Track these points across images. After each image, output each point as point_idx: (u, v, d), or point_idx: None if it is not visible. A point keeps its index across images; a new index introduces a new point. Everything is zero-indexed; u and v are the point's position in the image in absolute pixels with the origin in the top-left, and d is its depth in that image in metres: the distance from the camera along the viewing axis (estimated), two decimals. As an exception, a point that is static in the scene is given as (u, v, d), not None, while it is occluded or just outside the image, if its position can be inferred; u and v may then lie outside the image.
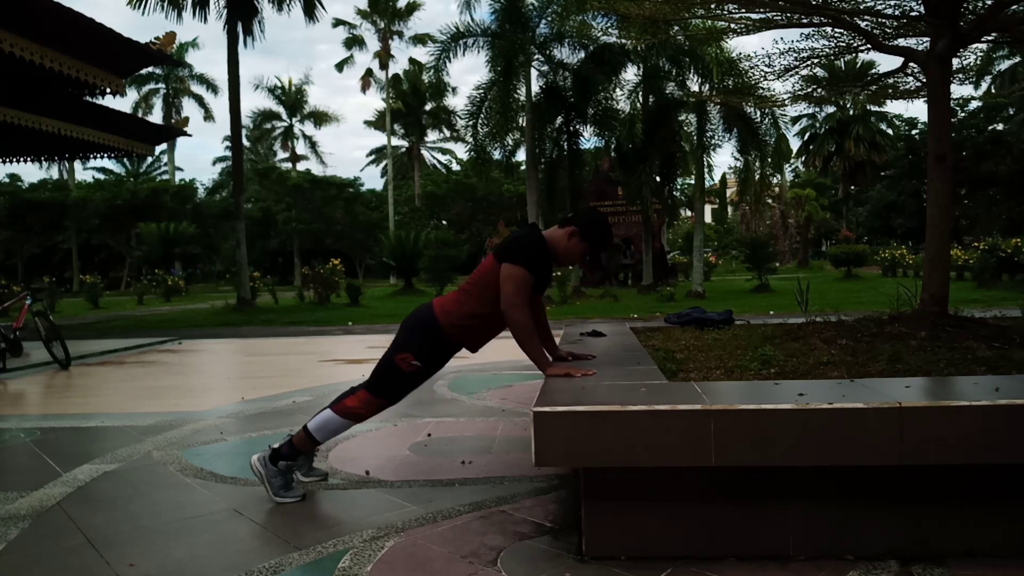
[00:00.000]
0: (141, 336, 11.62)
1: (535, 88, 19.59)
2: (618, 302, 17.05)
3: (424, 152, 49.71)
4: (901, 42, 4.68)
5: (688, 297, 17.30)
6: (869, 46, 4.69)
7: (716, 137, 18.80)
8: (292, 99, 46.14)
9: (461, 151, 43.09)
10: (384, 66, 40.84)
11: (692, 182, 23.79)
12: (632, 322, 7.38)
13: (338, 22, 40.39)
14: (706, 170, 20.35)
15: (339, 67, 43.13)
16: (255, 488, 3.20)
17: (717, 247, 47.59)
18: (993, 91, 36.19)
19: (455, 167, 49.07)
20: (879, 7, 4.50)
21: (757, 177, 19.59)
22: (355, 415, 3.04)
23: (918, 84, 5.28)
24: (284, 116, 47.12)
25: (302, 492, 3.09)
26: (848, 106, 36.43)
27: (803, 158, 42.93)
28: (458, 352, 3.10)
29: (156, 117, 40.86)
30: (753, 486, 2.33)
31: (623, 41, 17.31)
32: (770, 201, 41.44)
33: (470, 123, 19.63)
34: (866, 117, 38.41)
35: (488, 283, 2.89)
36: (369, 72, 42.47)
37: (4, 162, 14.35)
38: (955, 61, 4.75)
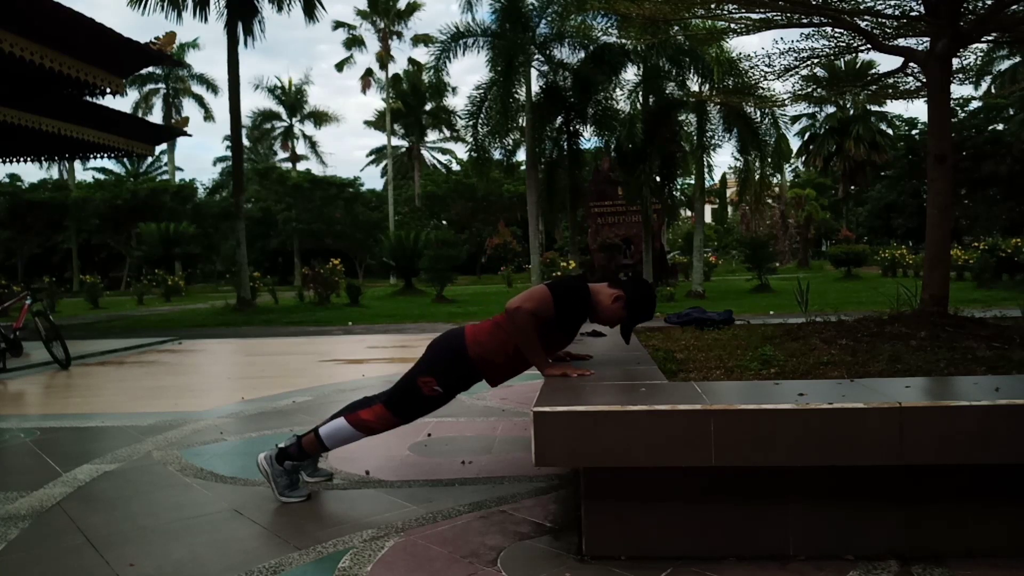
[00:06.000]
0: (141, 336, 11.62)
1: (535, 88, 19.60)
2: (618, 302, 17.00)
3: (424, 152, 49.76)
4: (901, 42, 4.68)
5: (688, 297, 17.30)
6: (869, 46, 4.70)
7: (716, 137, 18.79)
8: (292, 99, 46.16)
9: (461, 151, 43.18)
10: (384, 66, 40.90)
11: (692, 182, 23.79)
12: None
13: (338, 24, 40.47)
14: (706, 170, 20.34)
15: (339, 67, 43.25)
16: (255, 488, 3.20)
17: (717, 247, 47.58)
18: (993, 91, 36.19)
19: (455, 167, 49.10)
20: (879, 7, 4.50)
21: (757, 177, 19.58)
22: (368, 428, 3.02)
23: (918, 84, 5.28)
24: (284, 116, 47.15)
25: (307, 492, 3.09)
26: (848, 106, 36.40)
27: (803, 158, 42.92)
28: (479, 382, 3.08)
29: (156, 117, 40.93)
30: (753, 486, 2.33)
31: (623, 41, 17.32)
32: (770, 201, 41.39)
33: (470, 123, 19.64)
34: (866, 117, 38.41)
35: None
36: (369, 72, 42.55)
37: (4, 162, 14.36)
38: (955, 61, 4.75)
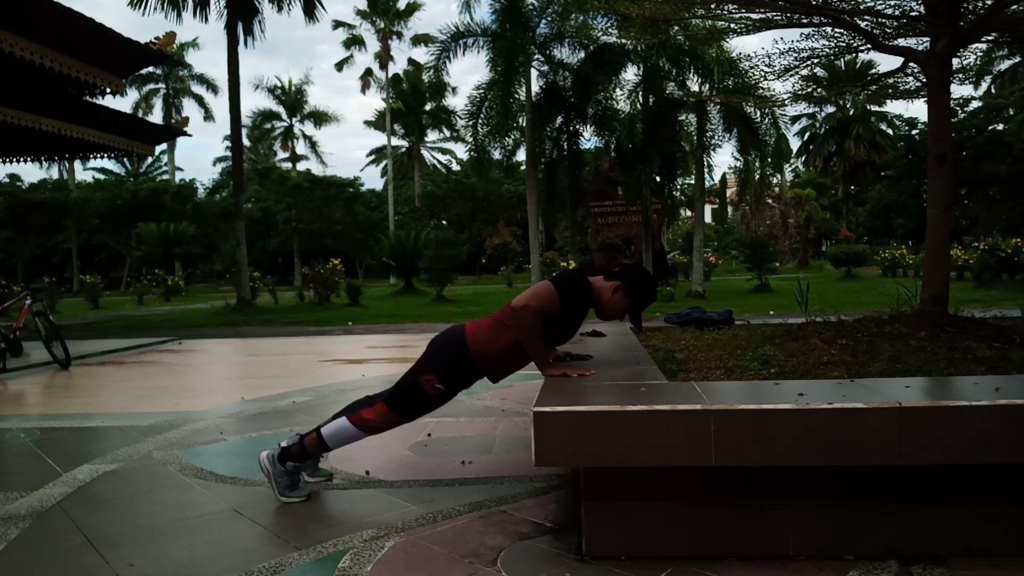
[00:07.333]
0: (141, 336, 11.62)
1: (535, 88, 19.61)
2: (618, 302, 17.00)
3: (424, 152, 49.76)
4: (901, 42, 4.68)
5: (688, 297, 17.29)
6: (869, 46, 4.70)
7: (716, 137, 18.80)
8: (292, 99, 46.16)
9: (461, 151, 43.19)
10: (384, 66, 40.93)
11: (692, 182, 23.79)
12: (632, 322, 7.36)
13: (338, 24, 40.49)
14: (706, 170, 20.34)
15: (339, 67, 43.29)
16: (255, 488, 3.20)
17: (717, 247, 47.58)
18: (993, 91, 36.19)
19: (455, 167, 49.10)
20: (879, 7, 4.50)
21: (757, 177, 19.59)
22: (370, 428, 3.02)
23: (918, 84, 5.28)
24: (284, 116, 47.16)
25: (307, 492, 3.10)
26: (848, 106, 36.41)
27: (803, 158, 42.92)
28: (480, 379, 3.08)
29: (156, 117, 40.91)
30: (753, 486, 2.33)
31: (623, 41, 17.31)
32: (770, 201, 41.42)
33: (470, 123, 19.66)
34: (866, 117, 38.40)
35: None
36: (369, 72, 42.57)
37: (4, 162, 14.36)
38: (955, 61, 4.75)
